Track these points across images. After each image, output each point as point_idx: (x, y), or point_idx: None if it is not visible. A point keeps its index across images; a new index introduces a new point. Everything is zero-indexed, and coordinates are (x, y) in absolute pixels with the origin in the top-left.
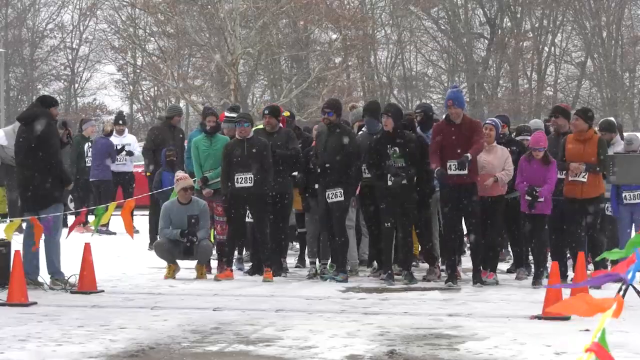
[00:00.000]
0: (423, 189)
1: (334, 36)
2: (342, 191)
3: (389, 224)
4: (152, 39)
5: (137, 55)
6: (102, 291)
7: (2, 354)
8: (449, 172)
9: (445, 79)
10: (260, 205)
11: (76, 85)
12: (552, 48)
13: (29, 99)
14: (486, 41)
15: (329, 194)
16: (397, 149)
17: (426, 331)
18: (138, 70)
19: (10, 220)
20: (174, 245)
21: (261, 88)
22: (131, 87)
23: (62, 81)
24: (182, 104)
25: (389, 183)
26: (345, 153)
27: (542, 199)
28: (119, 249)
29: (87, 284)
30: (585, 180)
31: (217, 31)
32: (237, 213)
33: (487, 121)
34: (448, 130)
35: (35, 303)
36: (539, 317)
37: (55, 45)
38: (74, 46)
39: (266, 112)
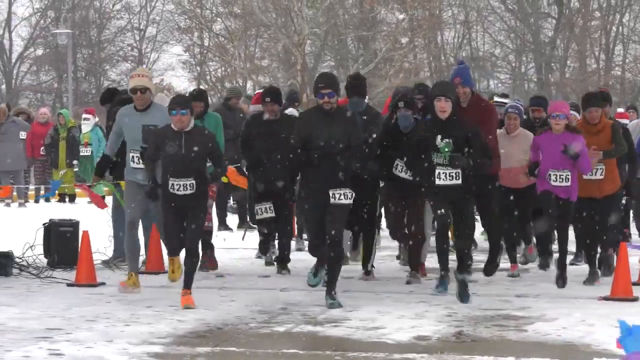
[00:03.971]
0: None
1: (401, 16)
2: (351, 193)
3: (442, 211)
4: (218, 19)
5: (204, 36)
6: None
7: (71, 334)
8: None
9: (512, 59)
10: (198, 214)
11: (143, 66)
12: (620, 27)
13: (96, 80)
14: (554, 21)
15: (334, 194)
16: (450, 140)
17: (494, 312)
18: (205, 51)
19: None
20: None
21: (328, 68)
22: (198, 68)
23: (130, 62)
24: (249, 84)
25: (441, 180)
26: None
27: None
28: None
29: (154, 265)
30: (602, 177)
31: (283, 11)
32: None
33: (510, 109)
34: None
35: (103, 283)
36: (607, 299)
37: (123, 26)
38: (141, 27)
39: (267, 99)
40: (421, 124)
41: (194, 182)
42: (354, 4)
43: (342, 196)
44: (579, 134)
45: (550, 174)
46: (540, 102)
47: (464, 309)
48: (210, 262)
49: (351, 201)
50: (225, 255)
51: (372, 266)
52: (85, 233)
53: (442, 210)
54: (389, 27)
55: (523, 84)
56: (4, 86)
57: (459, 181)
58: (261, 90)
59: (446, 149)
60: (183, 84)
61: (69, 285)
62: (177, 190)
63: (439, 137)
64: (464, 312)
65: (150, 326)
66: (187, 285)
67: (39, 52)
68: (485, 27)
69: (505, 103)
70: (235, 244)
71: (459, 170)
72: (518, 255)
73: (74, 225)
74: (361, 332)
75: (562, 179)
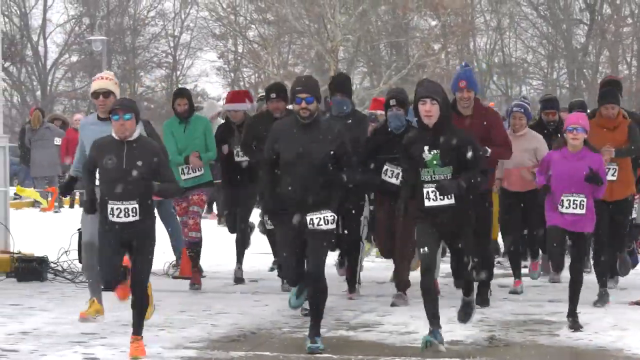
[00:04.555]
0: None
1: (433, 23)
2: (333, 216)
3: (426, 249)
4: (252, 26)
5: (238, 42)
6: (203, 276)
7: (105, 339)
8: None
9: (544, 65)
10: (146, 246)
11: (178, 72)
12: None
13: (131, 86)
14: (585, 27)
15: (312, 219)
16: (438, 152)
17: (526, 317)
18: (239, 58)
19: None
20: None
21: (361, 75)
22: (232, 75)
23: (164, 68)
24: None
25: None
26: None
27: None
28: (221, 234)
29: (188, 270)
30: (615, 178)
31: (316, 18)
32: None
33: (515, 108)
34: (455, 121)
35: None
36: (639, 303)
37: (157, 32)
38: (175, 34)
39: (273, 95)
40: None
41: (137, 206)
42: (387, 11)
43: (321, 221)
44: (598, 152)
45: (563, 200)
46: (553, 105)
47: (496, 314)
48: (194, 279)
49: (333, 225)
50: (258, 260)
51: (358, 283)
52: None
53: (426, 249)
54: (422, 34)
55: (555, 90)
56: (39, 92)
57: (452, 200)
58: (235, 90)
59: (434, 162)
60: (217, 90)
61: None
62: (117, 216)
63: (426, 148)
64: (496, 317)
65: (184, 331)
66: (137, 330)
67: (74, 58)
68: (517, 33)
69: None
70: (268, 249)
71: None
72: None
73: None
74: (394, 336)
75: (577, 205)
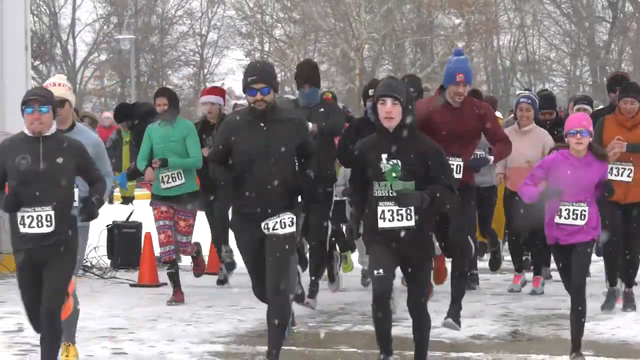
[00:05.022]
0: None
1: (457, 21)
2: (291, 218)
3: (381, 272)
4: (278, 25)
5: (264, 41)
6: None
7: (134, 334)
8: None
9: (567, 63)
10: (61, 263)
11: (205, 70)
12: None
13: (159, 84)
14: (608, 25)
15: (267, 224)
16: (398, 162)
17: (549, 311)
18: (265, 56)
19: None
20: None
21: (386, 72)
22: None
23: (191, 67)
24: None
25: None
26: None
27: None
28: None
29: (214, 265)
30: (630, 179)
31: (342, 17)
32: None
33: (522, 99)
34: (445, 116)
35: (165, 284)
36: None
37: (185, 31)
38: (202, 32)
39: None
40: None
41: (52, 213)
42: (412, 9)
43: (278, 224)
44: (604, 160)
45: (561, 209)
46: (549, 104)
47: (519, 308)
48: (177, 296)
49: (293, 229)
50: None
51: (336, 273)
52: (148, 235)
53: (381, 271)
54: (446, 32)
55: (578, 87)
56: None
57: (411, 222)
58: (213, 85)
59: (393, 174)
60: None
61: (131, 285)
62: (29, 226)
63: (384, 156)
64: (519, 312)
65: (211, 326)
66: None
67: (103, 57)
68: (540, 31)
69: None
70: None
71: (412, 207)
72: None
73: (137, 227)
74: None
75: (577, 215)
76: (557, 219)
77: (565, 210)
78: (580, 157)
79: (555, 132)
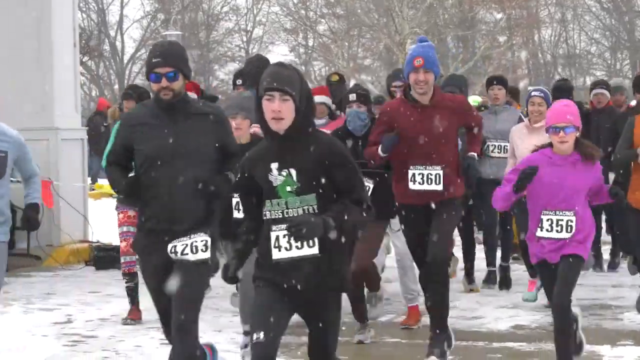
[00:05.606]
0: None
1: (499, 16)
2: (205, 241)
3: (261, 336)
4: (322, 20)
5: (308, 36)
6: None
7: None
8: (412, 186)
9: (608, 57)
10: None
11: None
12: None
13: (205, 80)
14: None
15: (175, 247)
16: (293, 172)
17: (590, 302)
18: (309, 51)
19: None
20: None
21: None
22: (303, 68)
23: (237, 62)
24: (351, 83)
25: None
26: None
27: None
28: None
29: None
30: None
31: (385, 12)
32: None
33: (534, 92)
34: (413, 118)
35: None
36: None
37: (230, 27)
38: (248, 29)
39: (238, 82)
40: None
41: None
42: (454, 4)
43: (188, 248)
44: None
45: (542, 220)
46: (563, 95)
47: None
48: (133, 314)
49: (207, 254)
50: None
51: None
52: None
53: (261, 335)
54: (488, 26)
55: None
56: (116, 86)
57: (314, 249)
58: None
59: (287, 189)
60: None
61: None
62: None
63: (274, 166)
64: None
65: None
66: None
67: None
68: (581, 25)
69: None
70: None
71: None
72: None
73: None
74: (461, 321)
75: (562, 227)
76: (538, 232)
77: (548, 220)
78: (565, 157)
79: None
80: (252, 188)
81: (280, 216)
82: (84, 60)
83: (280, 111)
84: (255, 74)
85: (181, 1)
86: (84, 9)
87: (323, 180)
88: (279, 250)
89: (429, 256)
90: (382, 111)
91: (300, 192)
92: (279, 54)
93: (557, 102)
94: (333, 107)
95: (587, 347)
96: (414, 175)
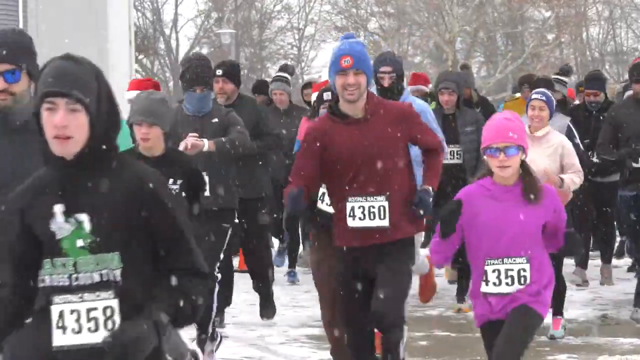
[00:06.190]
0: None
1: (547, 14)
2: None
3: None
4: (373, 18)
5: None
6: None
7: (235, 318)
8: (352, 222)
9: None
10: None
11: (302, 63)
12: None
13: (258, 77)
14: None
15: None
16: (82, 221)
17: None
18: None
19: None
20: None
21: (478, 64)
22: None
23: (289, 60)
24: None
25: None
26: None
27: None
28: None
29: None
30: None
31: (435, 10)
32: None
33: (534, 95)
34: (337, 134)
35: None
36: None
37: (283, 26)
38: (300, 27)
39: (218, 72)
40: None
41: None
42: (503, 2)
43: None
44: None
45: (487, 271)
46: (597, 84)
47: (608, 293)
48: None
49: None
50: None
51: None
52: None
53: None
54: (536, 24)
55: None
56: (171, 84)
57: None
58: (139, 78)
59: (77, 243)
60: None
61: (233, 271)
62: None
63: (58, 209)
64: (608, 296)
65: (309, 310)
66: None
67: (204, 51)
68: (628, 23)
69: (565, 82)
70: None
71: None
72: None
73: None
74: None
75: (512, 279)
76: (483, 287)
77: (494, 272)
78: (508, 188)
79: (602, 118)
80: (25, 241)
81: (67, 283)
82: (139, 58)
83: (66, 126)
84: (198, 73)
85: (234, 0)
86: (140, 8)
87: (131, 232)
88: (64, 333)
89: (375, 321)
90: (307, 131)
91: (97, 249)
92: (330, 51)
93: (497, 115)
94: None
95: (634, 341)
96: (352, 209)
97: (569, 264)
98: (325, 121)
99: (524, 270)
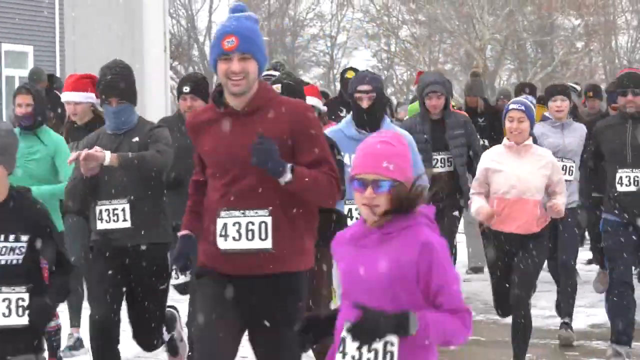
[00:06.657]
0: None
1: (577, 22)
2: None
3: None
4: (404, 26)
5: (390, 42)
6: None
7: None
8: (223, 244)
9: None
10: None
11: (334, 70)
12: None
13: None
14: None
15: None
16: None
17: None
18: (392, 56)
19: None
20: None
21: (508, 72)
22: (385, 72)
23: (322, 67)
24: None
25: None
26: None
27: None
28: None
29: None
30: None
31: (466, 18)
32: None
33: (511, 105)
34: (216, 128)
35: None
36: None
37: (315, 33)
38: (332, 34)
39: (185, 89)
40: None
41: None
42: (533, 11)
43: None
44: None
45: (344, 340)
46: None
47: (637, 298)
48: None
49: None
50: None
51: None
52: None
53: None
54: (566, 33)
55: None
56: None
57: None
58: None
59: None
60: None
61: None
62: None
63: None
64: (637, 302)
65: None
66: None
67: None
68: None
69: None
70: None
71: None
72: None
73: None
74: (540, 320)
75: (378, 354)
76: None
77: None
78: (373, 231)
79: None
80: None
81: None
82: (173, 64)
83: None
84: (115, 83)
85: (267, 8)
86: (174, 15)
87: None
88: None
89: None
90: (187, 125)
91: None
92: (362, 59)
93: (371, 138)
94: (324, 110)
95: None
96: (225, 226)
97: (593, 270)
98: (206, 111)
99: (391, 344)
